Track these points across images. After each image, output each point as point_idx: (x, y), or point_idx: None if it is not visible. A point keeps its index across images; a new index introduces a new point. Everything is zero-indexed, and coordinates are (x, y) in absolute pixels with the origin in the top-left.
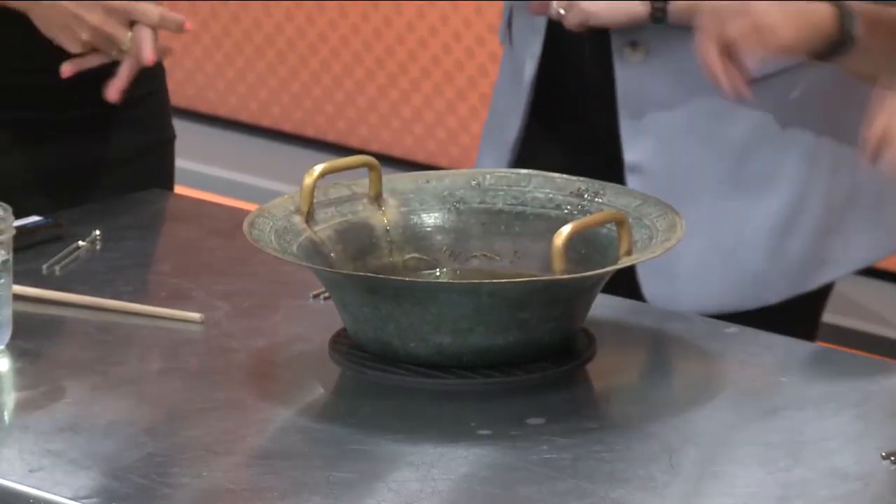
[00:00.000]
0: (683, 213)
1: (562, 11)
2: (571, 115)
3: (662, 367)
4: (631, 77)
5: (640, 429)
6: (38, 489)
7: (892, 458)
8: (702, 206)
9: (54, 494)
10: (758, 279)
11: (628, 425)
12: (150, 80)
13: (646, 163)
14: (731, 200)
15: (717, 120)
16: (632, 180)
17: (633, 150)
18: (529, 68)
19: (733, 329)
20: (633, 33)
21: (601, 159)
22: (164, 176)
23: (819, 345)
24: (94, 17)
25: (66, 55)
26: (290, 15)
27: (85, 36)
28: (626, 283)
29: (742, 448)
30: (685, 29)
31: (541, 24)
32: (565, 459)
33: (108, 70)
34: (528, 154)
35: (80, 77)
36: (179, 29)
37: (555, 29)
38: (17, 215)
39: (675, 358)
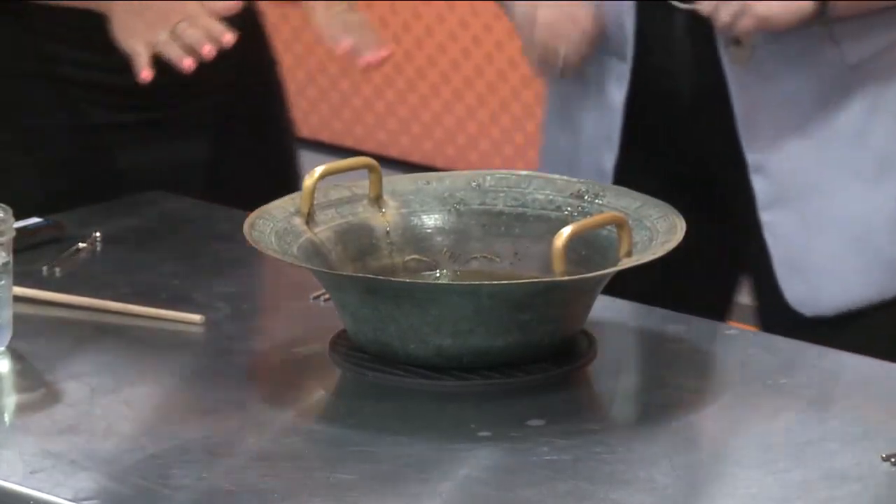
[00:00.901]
0: (813, 208)
1: (735, 21)
2: (674, 126)
3: (663, 369)
4: (741, 75)
5: (640, 430)
6: (39, 490)
7: (892, 460)
8: (827, 199)
9: (55, 496)
10: (892, 265)
11: (629, 427)
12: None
13: (768, 161)
14: (852, 188)
15: (827, 108)
16: (757, 180)
17: (754, 150)
18: (618, 94)
19: (733, 331)
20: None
21: (719, 164)
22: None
23: (819, 346)
24: (191, 8)
25: None
26: (308, 19)
27: (161, 38)
28: (766, 288)
29: (742, 449)
30: None
31: (625, 47)
32: (565, 461)
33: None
34: (627, 177)
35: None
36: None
37: (643, 46)
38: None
39: (675, 359)
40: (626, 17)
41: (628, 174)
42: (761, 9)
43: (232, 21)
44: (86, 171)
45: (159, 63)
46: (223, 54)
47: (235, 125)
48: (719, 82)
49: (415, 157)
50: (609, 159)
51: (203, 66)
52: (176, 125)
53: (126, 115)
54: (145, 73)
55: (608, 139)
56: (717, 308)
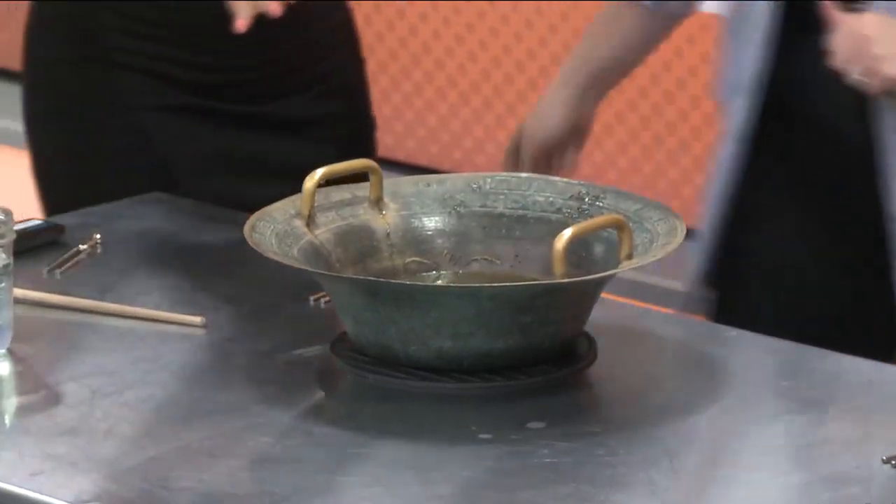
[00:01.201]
0: None
1: (865, 80)
2: (808, 165)
3: (663, 371)
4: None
5: (640, 432)
6: (39, 493)
7: (893, 463)
8: None
9: (55, 498)
10: None
11: (629, 429)
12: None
13: None
14: None
15: None
16: None
17: None
18: (732, 125)
19: (734, 333)
20: None
21: (856, 210)
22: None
23: (819, 349)
24: None
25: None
26: None
27: None
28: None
29: (743, 452)
30: None
31: (744, 78)
32: (566, 463)
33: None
34: (758, 210)
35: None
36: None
37: (787, 84)
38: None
39: (676, 362)
40: (747, 52)
41: (758, 207)
42: (890, 69)
43: (324, 18)
44: (174, 156)
45: (241, 61)
46: (315, 49)
47: (322, 122)
48: (869, 126)
49: (421, 161)
50: (719, 192)
51: (297, 61)
52: (267, 120)
53: (216, 104)
54: (241, 23)
55: (723, 169)
56: (880, 343)
